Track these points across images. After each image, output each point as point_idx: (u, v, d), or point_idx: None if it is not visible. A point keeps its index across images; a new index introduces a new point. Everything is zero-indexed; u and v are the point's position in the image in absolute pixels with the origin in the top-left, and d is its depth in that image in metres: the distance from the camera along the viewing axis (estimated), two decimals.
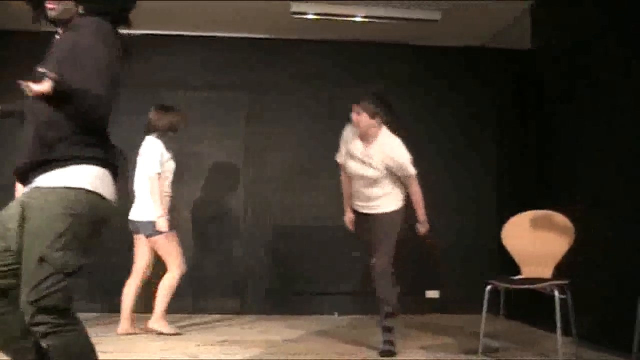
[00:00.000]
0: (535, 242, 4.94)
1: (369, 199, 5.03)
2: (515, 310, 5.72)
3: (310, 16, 6.28)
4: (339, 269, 6.90)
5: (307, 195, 6.88)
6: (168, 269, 5.50)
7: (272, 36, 7.07)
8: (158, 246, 5.46)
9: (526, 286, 4.52)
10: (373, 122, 4.87)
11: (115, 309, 5.64)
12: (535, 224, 4.98)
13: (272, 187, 7.03)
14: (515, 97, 7.16)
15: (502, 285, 4.62)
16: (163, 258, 5.52)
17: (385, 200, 4.98)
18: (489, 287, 4.60)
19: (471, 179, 7.21)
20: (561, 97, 5.78)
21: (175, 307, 6.33)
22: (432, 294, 7.00)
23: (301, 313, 6.73)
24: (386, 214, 4.97)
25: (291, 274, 6.95)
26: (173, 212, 5.64)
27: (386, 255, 4.88)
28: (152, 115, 5.61)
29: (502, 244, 5.08)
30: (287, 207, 6.99)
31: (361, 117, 4.85)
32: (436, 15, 6.32)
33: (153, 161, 5.42)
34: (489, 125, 7.30)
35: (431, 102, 7.26)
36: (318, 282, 6.91)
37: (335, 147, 5.15)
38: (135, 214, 5.51)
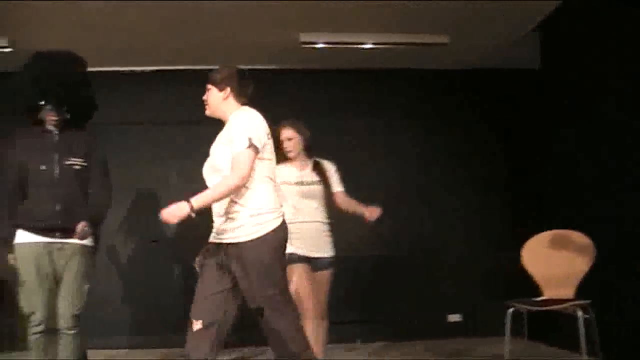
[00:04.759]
0: (555, 262, 4.90)
1: None
2: (538, 332, 5.67)
3: (319, 45, 6.30)
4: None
5: None
6: None
7: (279, 67, 7.11)
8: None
9: (549, 307, 4.47)
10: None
11: None
12: (554, 244, 4.95)
13: None
14: (527, 117, 7.14)
15: (525, 307, 4.58)
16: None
17: None
18: (511, 310, 4.56)
19: (486, 201, 7.17)
20: (574, 115, 5.76)
21: None
22: (454, 317, 6.94)
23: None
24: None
25: None
26: None
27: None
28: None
29: (520, 264, 5.04)
30: None
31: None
32: (444, 39, 6.33)
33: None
34: (502, 146, 7.27)
35: (441, 126, 7.27)
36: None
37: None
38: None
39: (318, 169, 4.63)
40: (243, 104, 3.69)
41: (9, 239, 4.02)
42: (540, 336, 5.88)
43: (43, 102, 4.03)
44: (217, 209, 3.49)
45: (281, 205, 3.58)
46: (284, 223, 3.50)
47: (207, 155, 6.70)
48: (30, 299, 3.95)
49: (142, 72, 7.05)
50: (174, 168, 6.89)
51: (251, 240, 3.38)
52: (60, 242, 3.95)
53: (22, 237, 3.97)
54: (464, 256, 7.04)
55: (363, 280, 6.82)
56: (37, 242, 3.94)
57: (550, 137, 6.14)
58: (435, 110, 7.28)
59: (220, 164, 3.52)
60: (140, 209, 6.83)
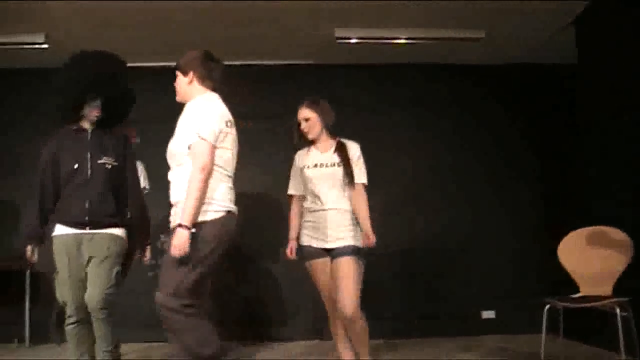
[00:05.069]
0: (592, 259, 4.84)
1: None
2: (574, 330, 5.59)
3: (353, 41, 6.28)
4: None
5: None
6: None
7: (315, 62, 7.10)
8: None
9: (587, 304, 4.41)
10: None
11: None
12: (591, 240, 4.88)
13: None
14: (562, 111, 7.05)
15: (561, 304, 4.52)
16: None
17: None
18: (547, 307, 4.51)
19: (521, 197, 7.11)
20: (610, 109, 5.67)
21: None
22: (487, 314, 6.88)
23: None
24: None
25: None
26: None
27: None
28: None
29: (554, 261, 4.98)
30: None
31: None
32: (480, 33, 6.27)
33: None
34: (534, 142, 7.19)
35: (475, 121, 7.22)
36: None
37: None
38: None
39: (341, 150, 4.30)
40: (212, 88, 3.66)
41: (33, 235, 4.18)
42: (575, 334, 5.80)
43: (91, 98, 4.10)
44: (170, 194, 3.53)
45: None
46: (222, 219, 3.41)
47: (248, 150, 6.71)
48: (64, 290, 4.08)
49: (165, 67, 7.05)
50: None
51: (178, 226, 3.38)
52: (90, 233, 4.06)
53: (57, 230, 4.11)
54: (498, 252, 6.97)
55: (396, 276, 6.80)
56: (68, 234, 4.06)
57: (587, 131, 6.05)
58: (469, 105, 7.23)
59: (174, 149, 3.50)
60: None
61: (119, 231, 4.15)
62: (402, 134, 7.13)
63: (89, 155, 4.12)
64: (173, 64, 6.82)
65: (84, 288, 4.04)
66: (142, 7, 5.58)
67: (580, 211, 5.91)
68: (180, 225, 3.26)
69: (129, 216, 4.27)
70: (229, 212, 3.46)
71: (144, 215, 4.37)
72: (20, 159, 6.59)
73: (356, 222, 4.24)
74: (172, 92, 3.80)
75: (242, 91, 7.05)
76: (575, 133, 6.29)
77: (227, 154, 3.53)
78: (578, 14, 5.99)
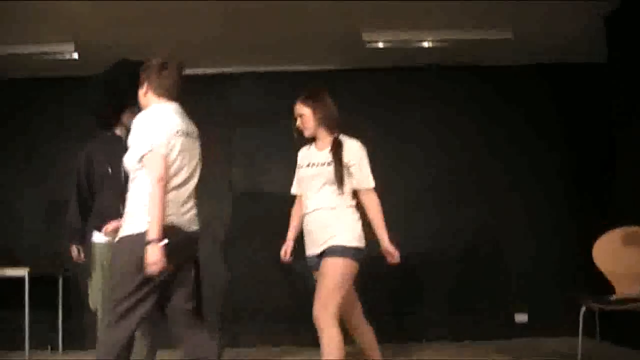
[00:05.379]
0: (628, 259, 4.78)
1: None
2: (609, 332, 5.53)
3: (380, 44, 6.26)
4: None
5: None
6: None
7: (342, 67, 7.08)
8: None
9: (625, 307, 4.34)
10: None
11: None
12: (627, 241, 4.83)
13: None
14: (593, 111, 6.97)
15: (598, 306, 4.46)
16: None
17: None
18: (584, 309, 4.45)
19: (553, 197, 7.02)
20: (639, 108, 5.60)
21: None
22: (520, 317, 6.80)
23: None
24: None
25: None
26: None
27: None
28: None
29: (586, 262, 4.93)
30: None
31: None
32: (508, 34, 6.21)
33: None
34: (565, 141, 7.11)
35: (505, 122, 7.14)
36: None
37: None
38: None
39: (337, 148, 3.92)
40: (168, 98, 3.55)
41: (75, 234, 4.30)
42: (610, 336, 5.74)
43: (132, 105, 4.12)
44: None
45: None
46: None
47: (278, 153, 6.67)
48: (96, 296, 4.13)
49: (194, 75, 7.07)
50: (240, 166, 6.88)
51: (119, 238, 3.40)
52: None
53: (95, 237, 4.17)
54: (527, 254, 6.90)
55: (428, 278, 6.78)
56: (103, 242, 4.11)
57: (618, 131, 5.98)
58: (498, 105, 7.15)
59: (126, 165, 3.48)
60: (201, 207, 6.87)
61: None
62: (427, 136, 7.10)
63: (123, 161, 4.16)
64: (201, 71, 6.92)
65: None
66: (170, 14, 5.59)
67: (608, 212, 5.86)
68: (149, 242, 3.15)
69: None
70: (166, 225, 3.27)
71: None
72: (52, 167, 6.65)
73: (352, 219, 3.91)
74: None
75: (268, 97, 7.10)
76: (602, 132, 6.21)
77: (174, 164, 3.40)
78: (608, 12, 5.92)
